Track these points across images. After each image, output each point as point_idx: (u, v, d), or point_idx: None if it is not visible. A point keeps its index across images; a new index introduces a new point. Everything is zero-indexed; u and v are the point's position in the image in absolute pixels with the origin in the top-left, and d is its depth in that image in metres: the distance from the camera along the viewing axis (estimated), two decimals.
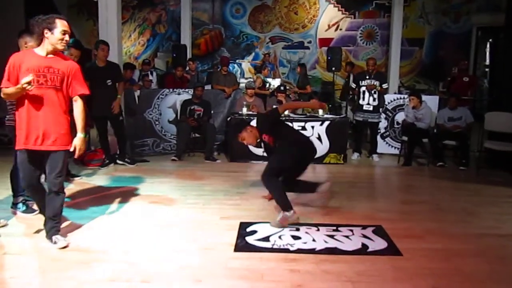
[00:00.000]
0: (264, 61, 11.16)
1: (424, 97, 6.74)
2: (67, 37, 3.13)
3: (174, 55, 9.75)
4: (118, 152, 6.15)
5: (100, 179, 5.39)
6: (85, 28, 12.60)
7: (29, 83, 2.93)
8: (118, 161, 6.10)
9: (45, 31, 3.05)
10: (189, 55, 10.53)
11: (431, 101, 6.92)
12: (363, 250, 3.32)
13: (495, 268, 3.07)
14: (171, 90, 7.15)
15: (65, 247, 3.22)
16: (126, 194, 4.71)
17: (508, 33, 6.45)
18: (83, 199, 4.48)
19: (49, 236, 3.27)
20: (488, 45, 11.92)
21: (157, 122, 6.97)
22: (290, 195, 3.98)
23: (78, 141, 3.26)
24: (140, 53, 13.01)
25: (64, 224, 3.61)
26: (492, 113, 6.19)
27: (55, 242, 3.23)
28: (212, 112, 6.92)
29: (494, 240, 3.62)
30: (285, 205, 3.79)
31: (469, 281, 2.87)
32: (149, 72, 8.61)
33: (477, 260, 3.20)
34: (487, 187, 5.34)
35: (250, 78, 10.58)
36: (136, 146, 6.76)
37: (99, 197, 4.62)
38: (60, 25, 3.09)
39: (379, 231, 3.68)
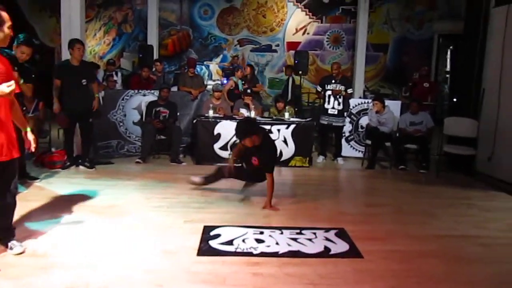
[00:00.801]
0: (232, 63, 11.14)
1: (387, 102, 6.89)
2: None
3: (141, 55, 9.61)
4: (80, 154, 6.00)
5: (61, 181, 5.23)
6: (48, 26, 12.21)
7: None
8: (80, 164, 5.93)
9: None
10: (156, 56, 10.39)
11: (394, 106, 7.09)
12: (325, 252, 3.35)
13: (453, 269, 3.17)
14: (136, 91, 7.03)
15: (21, 253, 3.09)
16: (88, 197, 4.59)
17: (466, 40, 6.69)
18: (42, 203, 4.32)
19: (4, 243, 3.14)
20: (448, 52, 12.34)
21: (121, 124, 6.83)
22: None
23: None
24: (105, 53, 12.73)
25: (20, 229, 3.48)
26: (451, 118, 6.42)
27: (10, 248, 3.10)
28: (178, 114, 6.85)
29: (452, 241, 3.74)
30: None
31: (427, 281, 2.95)
32: (114, 73, 8.43)
33: (435, 261, 3.29)
34: (446, 190, 5.52)
35: (217, 80, 10.54)
36: (100, 148, 6.61)
37: (59, 200, 4.47)
38: (6, 19, 2.87)
39: (342, 234, 3.72)
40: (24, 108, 5.04)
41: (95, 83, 5.95)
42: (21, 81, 4.54)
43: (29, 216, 3.93)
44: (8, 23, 2.88)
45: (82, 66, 5.75)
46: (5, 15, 2.87)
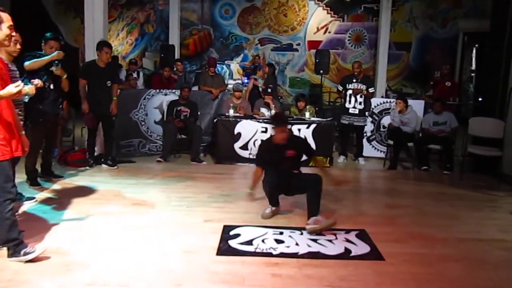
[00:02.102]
0: (254, 62, 11.14)
1: (410, 101, 6.78)
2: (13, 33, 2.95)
3: (162, 55, 9.69)
4: (103, 153, 6.10)
5: (83, 180, 5.32)
6: (72, 26, 12.45)
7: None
8: (102, 162, 6.03)
9: None
10: (177, 55, 10.47)
11: (417, 105, 6.97)
12: (346, 254, 3.32)
13: (475, 273, 3.10)
14: (157, 90, 7.10)
15: (31, 259, 2.97)
16: (109, 196, 4.66)
17: (493, 39, 6.52)
18: (65, 200, 4.41)
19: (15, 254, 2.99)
20: (474, 51, 12.06)
21: (143, 123, 6.91)
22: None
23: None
24: (128, 53, 12.91)
25: (43, 227, 3.56)
26: (476, 118, 6.26)
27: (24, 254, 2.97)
28: (199, 113, 6.89)
29: (475, 244, 3.66)
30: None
31: (449, 285, 2.89)
32: (135, 72, 8.53)
33: (458, 264, 3.23)
34: (470, 192, 5.39)
35: (238, 79, 10.55)
36: (122, 147, 6.69)
37: (82, 198, 4.55)
38: (6, 19, 2.86)
39: (362, 235, 3.68)
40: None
41: (115, 85, 5.99)
42: (65, 76, 4.70)
43: (53, 212, 4.01)
44: (8, 23, 2.88)
45: (108, 67, 5.86)
46: (5, 15, 2.88)
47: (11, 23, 2.90)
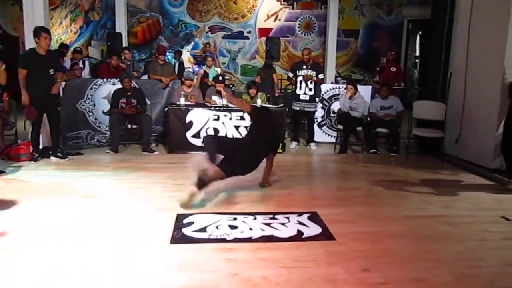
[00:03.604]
0: (205, 50, 11.02)
1: (358, 87, 6.96)
2: None
3: (109, 43, 9.40)
4: (50, 145, 5.86)
5: (29, 174, 5.10)
6: (10, 14, 11.77)
7: None
8: (51, 155, 5.79)
9: None
10: (125, 44, 10.18)
11: (365, 91, 7.17)
12: (298, 236, 3.39)
13: (422, 248, 3.25)
14: (105, 80, 6.87)
15: None
16: (58, 189, 4.50)
17: (434, 25, 6.80)
18: (9, 195, 4.19)
19: None
20: (418, 37, 12.53)
21: (90, 113, 6.68)
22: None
23: None
24: (72, 41, 12.33)
25: None
26: (420, 101, 6.55)
27: None
28: (149, 102, 6.74)
29: (421, 221, 3.84)
30: None
31: (396, 260, 3.02)
32: (80, 61, 8.20)
33: (405, 241, 3.37)
34: (416, 172, 5.64)
35: (189, 68, 10.40)
36: (69, 139, 6.44)
37: (27, 193, 4.34)
38: None
39: (314, 217, 3.77)
40: None
41: (61, 74, 5.79)
42: (2, 67, 4.41)
43: None
44: None
45: (50, 55, 5.60)
46: None
47: None
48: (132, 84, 6.61)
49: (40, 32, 5.42)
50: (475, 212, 4.12)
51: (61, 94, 6.03)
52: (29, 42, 5.85)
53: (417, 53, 12.59)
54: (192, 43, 12.34)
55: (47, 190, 4.48)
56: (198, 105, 6.64)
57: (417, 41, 12.58)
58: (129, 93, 6.53)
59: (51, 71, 5.55)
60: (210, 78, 7.93)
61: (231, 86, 10.24)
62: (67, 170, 5.29)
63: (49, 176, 5.02)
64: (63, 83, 6.48)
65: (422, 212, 4.09)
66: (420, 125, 6.49)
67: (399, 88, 8.08)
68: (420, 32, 12.39)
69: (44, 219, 3.67)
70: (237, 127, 6.46)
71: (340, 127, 6.90)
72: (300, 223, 3.65)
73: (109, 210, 3.92)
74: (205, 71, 8.25)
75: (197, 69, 9.40)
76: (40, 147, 5.85)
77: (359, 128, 6.84)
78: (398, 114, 6.77)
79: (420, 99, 6.79)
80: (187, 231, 3.42)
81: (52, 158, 5.77)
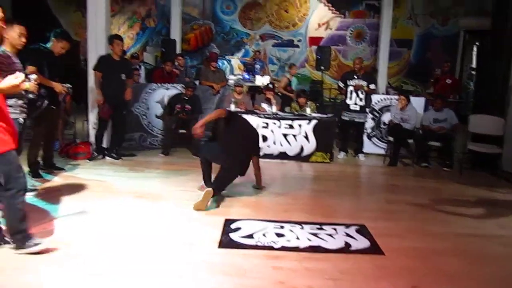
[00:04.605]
0: (255, 58, 11.16)
1: (410, 98, 6.80)
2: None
3: (163, 49, 9.69)
4: (109, 146, 6.17)
5: (85, 172, 5.35)
6: (72, 20, 12.45)
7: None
8: (106, 155, 6.08)
9: None
10: (178, 50, 10.47)
11: (418, 102, 7.00)
12: (346, 248, 3.36)
13: (473, 268, 3.13)
14: (159, 84, 7.12)
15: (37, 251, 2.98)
16: (111, 189, 4.70)
17: (494, 37, 6.54)
18: (67, 192, 4.43)
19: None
20: (474, 48, 12.07)
21: (144, 117, 6.94)
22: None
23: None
24: (129, 47, 12.88)
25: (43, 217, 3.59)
26: (476, 115, 6.29)
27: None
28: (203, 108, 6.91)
29: (473, 240, 3.69)
30: None
31: (447, 280, 2.93)
32: (137, 66, 8.54)
33: (456, 259, 3.26)
34: (469, 188, 5.43)
35: (239, 74, 10.56)
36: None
37: (84, 190, 4.58)
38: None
39: (362, 230, 3.72)
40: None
41: (131, 80, 6.17)
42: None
43: (55, 205, 4.04)
44: None
45: (122, 61, 6.01)
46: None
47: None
48: (192, 93, 6.82)
49: (113, 39, 5.86)
50: None
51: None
52: (91, 47, 6.21)
53: (473, 65, 12.12)
54: (243, 50, 12.53)
55: (101, 188, 4.70)
56: (247, 112, 6.73)
57: (474, 52, 12.11)
58: (187, 99, 6.72)
59: (123, 76, 5.88)
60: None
61: (279, 94, 10.28)
62: (120, 171, 5.51)
63: (103, 175, 5.25)
64: None
65: (475, 230, 3.94)
66: (476, 139, 6.24)
67: (454, 101, 7.82)
68: (477, 43, 11.93)
69: (96, 216, 3.84)
70: (285, 135, 6.49)
71: (391, 138, 6.76)
72: (347, 235, 3.61)
73: (160, 211, 4.05)
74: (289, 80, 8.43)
75: (247, 76, 9.52)
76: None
77: (410, 141, 6.67)
78: (452, 127, 6.55)
79: (475, 113, 6.54)
80: (234, 236, 3.48)
81: (107, 158, 6.04)
